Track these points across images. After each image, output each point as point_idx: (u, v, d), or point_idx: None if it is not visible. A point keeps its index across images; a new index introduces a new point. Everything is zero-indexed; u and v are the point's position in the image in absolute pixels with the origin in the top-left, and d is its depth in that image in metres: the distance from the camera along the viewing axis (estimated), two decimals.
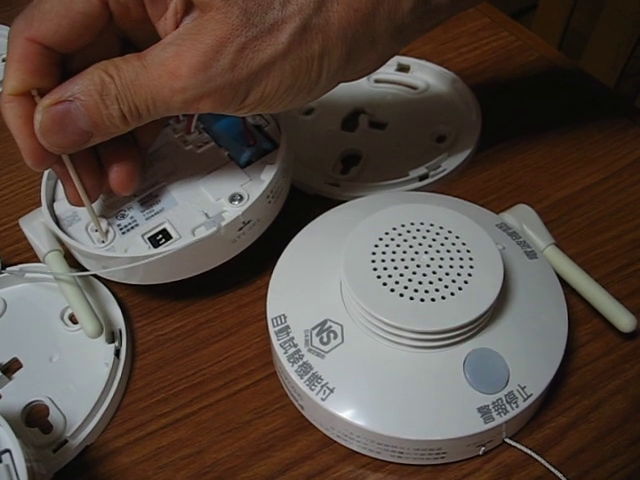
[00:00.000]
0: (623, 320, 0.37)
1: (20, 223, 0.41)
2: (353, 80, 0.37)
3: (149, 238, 0.38)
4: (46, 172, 0.41)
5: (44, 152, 0.33)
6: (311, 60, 0.32)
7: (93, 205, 0.37)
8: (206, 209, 0.38)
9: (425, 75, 0.53)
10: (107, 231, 0.38)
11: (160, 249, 0.36)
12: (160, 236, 0.38)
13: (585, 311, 0.39)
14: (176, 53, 0.30)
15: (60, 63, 0.33)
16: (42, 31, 0.31)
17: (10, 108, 0.32)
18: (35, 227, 0.40)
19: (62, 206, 0.40)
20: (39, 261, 0.41)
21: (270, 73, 0.32)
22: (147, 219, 0.38)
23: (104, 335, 0.38)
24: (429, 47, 0.56)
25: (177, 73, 0.30)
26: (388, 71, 0.53)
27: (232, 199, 0.38)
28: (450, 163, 0.46)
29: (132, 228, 0.38)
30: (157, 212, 0.39)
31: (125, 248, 0.38)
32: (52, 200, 0.41)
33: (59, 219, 0.40)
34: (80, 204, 0.37)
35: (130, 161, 0.37)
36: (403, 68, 0.53)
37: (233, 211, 0.37)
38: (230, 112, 0.33)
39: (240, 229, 0.38)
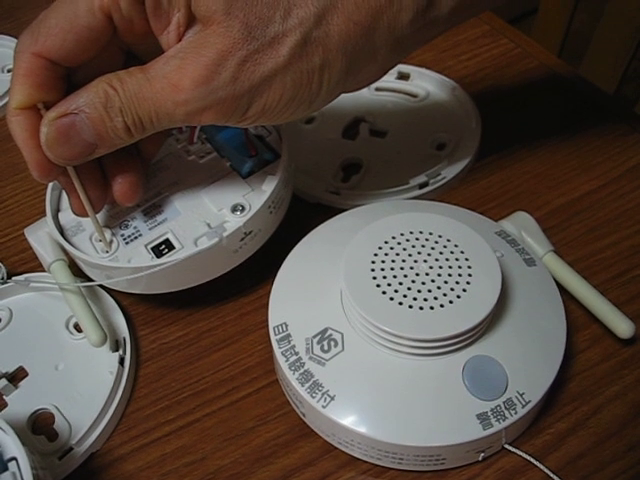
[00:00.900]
0: (621, 326, 0.37)
1: (25, 233, 0.42)
2: (354, 91, 0.37)
3: (152, 248, 0.38)
4: (50, 183, 0.42)
5: (50, 164, 0.33)
6: (312, 73, 0.33)
7: (97, 215, 0.38)
8: (208, 219, 0.39)
9: (425, 83, 0.53)
10: (111, 241, 0.39)
11: (163, 259, 0.37)
12: (163, 246, 0.38)
13: (584, 317, 0.40)
14: (179, 66, 0.31)
15: (65, 76, 0.34)
16: (48, 46, 0.32)
17: (16, 122, 0.33)
18: (40, 237, 0.41)
19: (66, 216, 0.41)
20: (44, 270, 0.42)
21: (271, 86, 0.32)
22: (150, 229, 0.39)
23: (108, 344, 0.38)
24: (429, 55, 0.57)
25: (180, 86, 0.31)
26: (388, 79, 0.53)
27: (234, 209, 0.39)
28: (450, 171, 0.47)
29: (135, 238, 0.39)
30: (160, 222, 0.39)
31: (128, 258, 0.38)
32: (57, 210, 0.41)
33: (63, 229, 0.40)
34: (84, 215, 0.38)
35: (133, 172, 0.37)
36: (403, 76, 0.54)
37: (235, 221, 0.38)
38: (232, 124, 0.34)
39: (242, 239, 0.38)
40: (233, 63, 0.31)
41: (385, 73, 0.37)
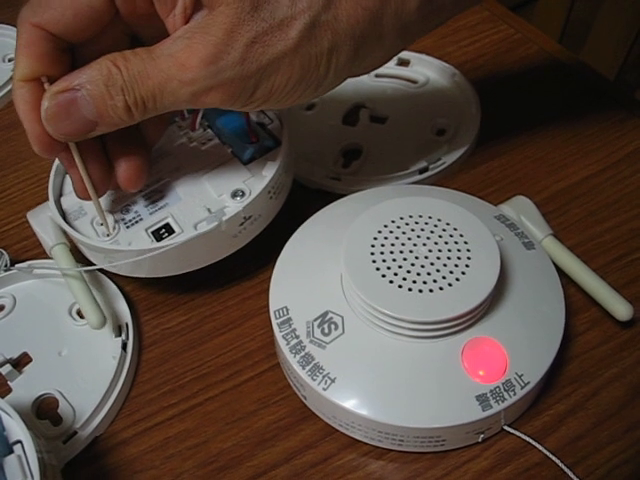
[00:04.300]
0: (620, 309, 0.38)
1: (28, 216, 0.42)
2: (359, 76, 0.37)
3: (152, 232, 0.39)
4: (54, 167, 0.42)
5: (50, 139, 0.33)
6: (320, 56, 0.33)
7: (99, 200, 0.38)
8: (209, 204, 0.39)
9: (425, 69, 0.53)
10: (114, 228, 0.39)
11: (162, 243, 0.37)
12: (163, 230, 0.38)
13: (583, 300, 0.40)
14: (187, 45, 0.31)
15: (68, 52, 0.33)
16: (46, 18, 0.32)
17: (19, 94, 0.33)
18: (42, 221, 0.41)
19: (69, 200, 0.41)
20: (47, 258, 0.42)
21: (279, 68, 0.32)
22: (151, 214, 0.39)
23: (109, 327, 0.39)
24: (429, 41, 0.57)
25: (187, 65, 0.31)
26: (388, 65, 0.52)
27: (234, 195, 0.39)
28: (450, 156, 0.47)
29: (136, 222, 0.39)
30: (161, 207, 0.39)
31: (129, 242, 0.38)
32: (59, 195, 0.42)
33: (66, 213, 0.41)
34: (87, 197, 0.38)
35: (138, 158, 0.37)
36: (403, 62, 0.54)
37: (235, 206, 0.38)
38: (238, 107, 0.34)
39: (241, 224, 0.38)
40: (242, 44, 0.31)
41: (390, 59, 0.37)
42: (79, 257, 0.41)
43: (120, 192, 0.40)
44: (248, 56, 0.31)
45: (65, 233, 0.40)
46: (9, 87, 0.57)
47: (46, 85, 0.33)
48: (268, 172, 0.39)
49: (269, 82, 0.32)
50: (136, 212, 0.40)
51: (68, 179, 0.42)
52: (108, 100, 0.32)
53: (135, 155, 0.37)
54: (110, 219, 0.39)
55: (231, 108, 0.34)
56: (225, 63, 0.31)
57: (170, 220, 0.39)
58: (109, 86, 0.31)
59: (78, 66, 0.33)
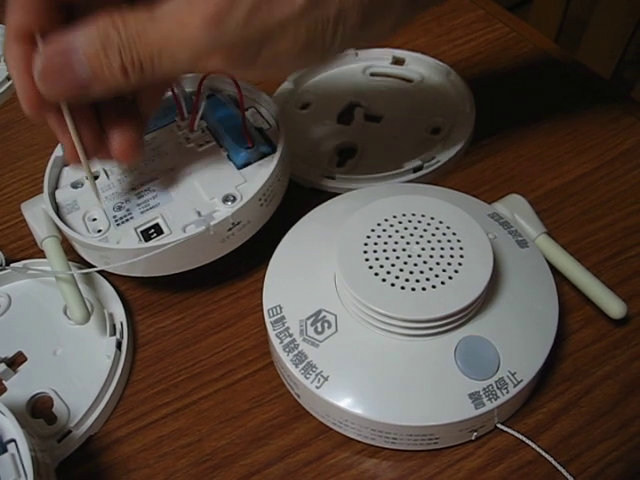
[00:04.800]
0: (613, 307, 0.38)
1: (21, 207, 0.42)
2: (364, 47, 0.36)
3: (142, 232, 0.38)
4: (51, 159, 0.42)
5: (41, 99, 0.32)
6: (326, 22, 0.31)
7: (93, 200, 0.38)
8: (199, 207, 0.39)
9: (420, 68, 0.53)
10: (118, 217, 0.39)
11: (149, 244, 0.37)
12: (152, 230, 0.38)
13: (576, 299, 0.40)
14: (188, 3, 0.30)
15: (64, 10, 0.33)
16: None
17: (11, 51, 0.32)
18: (35, 212, 0.41)
19: (64, 194, 0.41)
20: (42, 257, 0.42)
21: (284, 33, 0.31)
22: (142, 213, 0.39)
23: (99, 324, 0.39)
24: (424, 40, 0.57)
25: (189, 24, 0.29)
26: (383, 64, 0.53)
27: (225, 199, 0.39)
28: (444, 155, 0.47)
29: (127, 220, 0.39)
30: (152, 207, 0.39)
31: (118, 239, 0.38)
32: (55, 187, 0.42)
33: (59, 206, 0.41)
34: (77, 161, 0.36)
35: (133, 130, 0.36)
36: (398, 61, 0.54)
37: (224, 211, 0.38)
38: (239, 71, 0.32)
39: (229, 229, 0.38)
40: (246, 5, 0.29)
41: (397, 29, 0.36)
42: (70, 250, 0.41)
43: (113, 189, 0.40)
44: (253, 18, 0.30)
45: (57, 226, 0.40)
46: (4, 87, 0.57)
47: (40, 43, 0.31)
48: (260, 179, 0.39)
49: (273, 47, 0.31)
50: (128, 210, 0.40)
51: (65, 172, 0.43)
52: (104, 60, 0.30)
53: (130, 127, 0.36)
54: (100, 212, 0.39)
55: (232, 73, 0.32)
56: (228, 25, 0.29)
57: (160, 220, 0.39)
58: (105, 45, 0.30)
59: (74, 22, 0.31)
